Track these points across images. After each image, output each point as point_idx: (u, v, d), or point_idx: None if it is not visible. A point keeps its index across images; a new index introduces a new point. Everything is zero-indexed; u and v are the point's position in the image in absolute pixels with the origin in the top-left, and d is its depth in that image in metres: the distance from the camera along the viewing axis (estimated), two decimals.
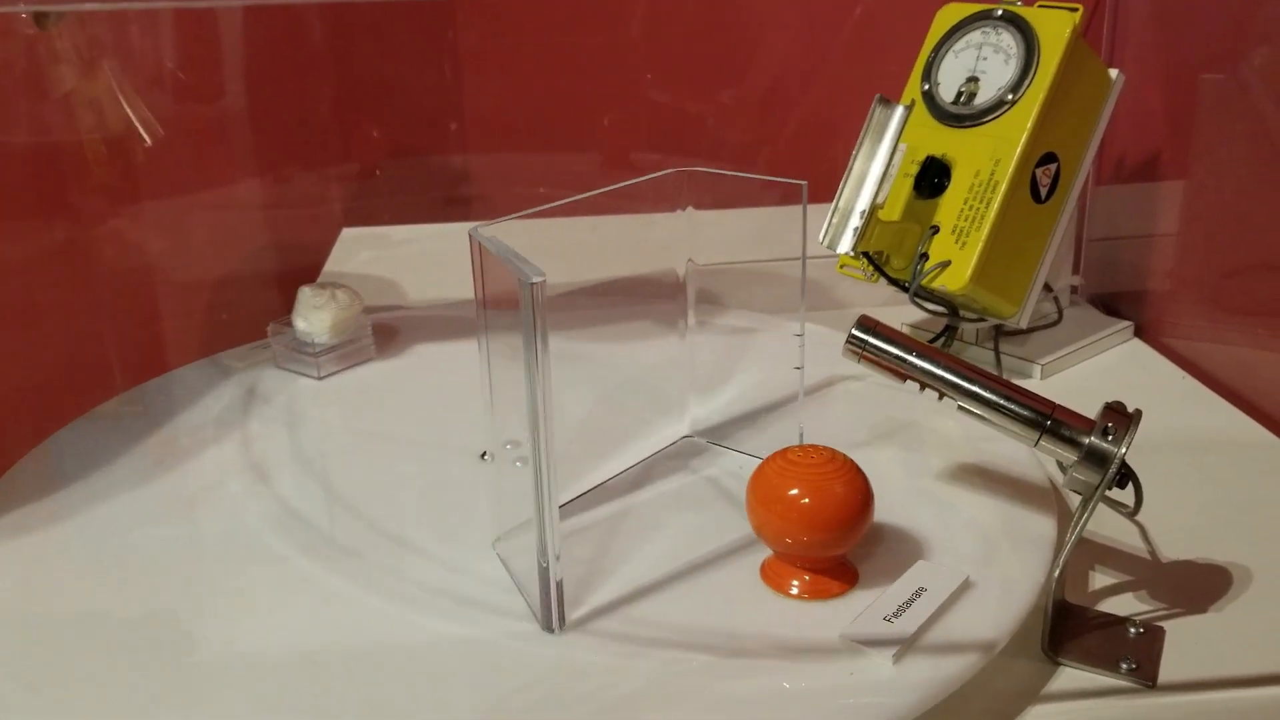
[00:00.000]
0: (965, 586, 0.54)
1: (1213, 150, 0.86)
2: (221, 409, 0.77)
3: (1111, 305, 0.97)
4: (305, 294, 0.83)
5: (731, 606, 0.54)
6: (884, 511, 0.60)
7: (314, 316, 0.82)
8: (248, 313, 1.19)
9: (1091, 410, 0.57)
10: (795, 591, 0.54)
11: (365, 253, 1.22)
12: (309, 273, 1.15)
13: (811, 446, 0.55)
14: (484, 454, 0.68)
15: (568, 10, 1.22)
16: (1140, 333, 0.92)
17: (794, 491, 0.52)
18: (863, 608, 0.53)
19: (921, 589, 0.54)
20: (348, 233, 1.27)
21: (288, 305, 0.85)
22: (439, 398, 0.79)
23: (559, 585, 0.51)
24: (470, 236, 0.52)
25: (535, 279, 0.46)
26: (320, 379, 0.82)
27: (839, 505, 0.53)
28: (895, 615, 0.52)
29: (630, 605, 0.54)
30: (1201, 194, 0.88)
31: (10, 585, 0.58)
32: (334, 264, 1.18)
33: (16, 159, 1.02)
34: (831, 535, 0.53)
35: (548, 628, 0.52)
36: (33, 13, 0.72)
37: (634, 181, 0.60)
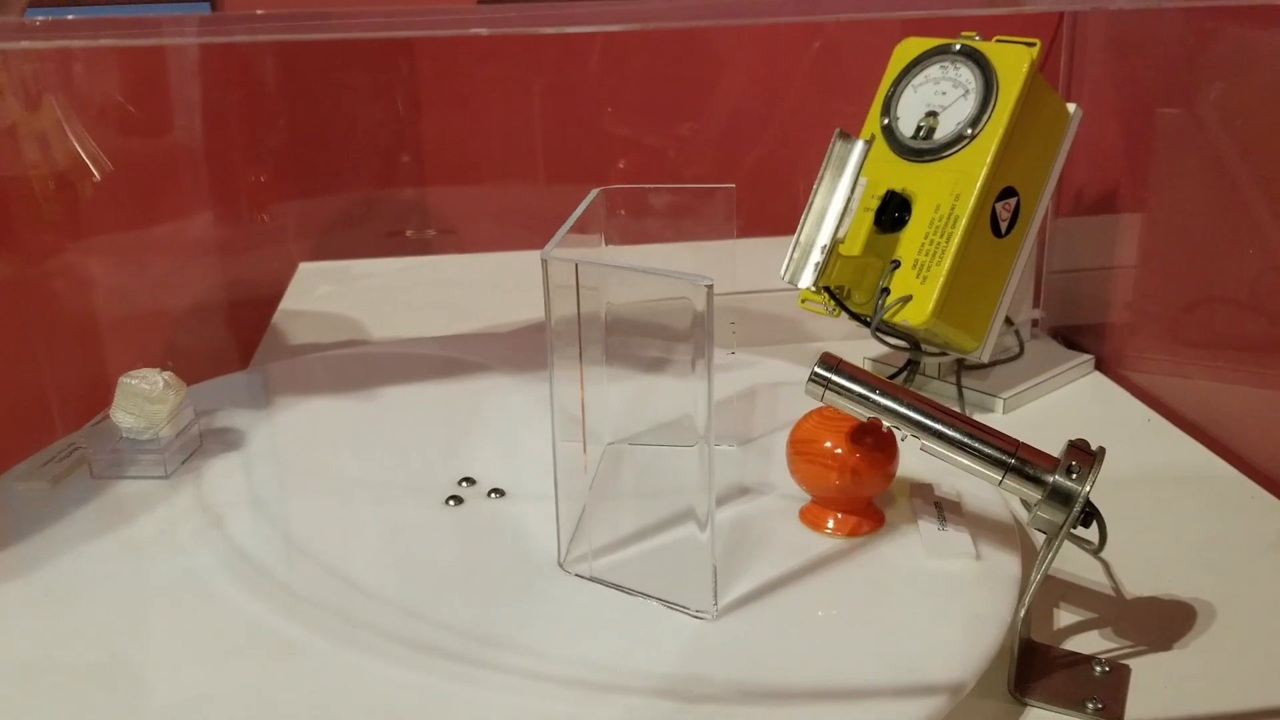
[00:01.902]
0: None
1: (1170, 184, 0.87)
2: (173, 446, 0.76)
3: (1072, 338, 0.97)
4: (130, 384, 0.72)
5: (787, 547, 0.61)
6: (846, 543, 0.61)
7: (150, 409, 0.72)
8: (201, 351, 1.17)
9: (1054, 446, 0.57)
10: (830, 528, 0.63)
11: (323, 287, 1.21)
12: (265, 307, 1.13)
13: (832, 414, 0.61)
14: (451, 498, 0.67)
15: (526, 43, 1.22)
16: (1101, 366, 0.92)
17: (828, 443, 0.61)
18: (890, 543, 0.60)
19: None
20: (305, 267, 1.26)
21: (244, 343, 0.83)
22: (399, 436, 0.78)
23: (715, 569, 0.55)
24: (544, 261, 0.54)
25: (706, 283, 0.49)
26: (168, 476, 0.72)
27: (869, 453, 0.61)
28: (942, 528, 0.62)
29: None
30: (1159, 227, 0.89)
31: None
32: (290, 299, 1.17)
33: None
34: (862, 480, 0.61)
35: (701, 613, 0.55)
36: None
37: (573, 217, 0.59)
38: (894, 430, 0.60)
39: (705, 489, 0.52)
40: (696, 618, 0.55)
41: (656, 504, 0.64)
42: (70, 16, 0.37)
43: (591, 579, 0.58)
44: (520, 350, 0.92)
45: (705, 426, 0.51)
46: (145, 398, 0.72)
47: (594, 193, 0.65)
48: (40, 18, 0.35)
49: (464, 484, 0.69)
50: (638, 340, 0.66)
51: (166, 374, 0.73)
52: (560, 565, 0.60)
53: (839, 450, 0.61)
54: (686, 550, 0.58)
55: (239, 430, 0.78)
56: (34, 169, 0.94)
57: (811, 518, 0.64)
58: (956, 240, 0.77)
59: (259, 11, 0.35)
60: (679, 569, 0.58)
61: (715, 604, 0.55)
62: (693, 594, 0.55)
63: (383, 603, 0.57)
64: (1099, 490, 0.54)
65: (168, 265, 1.22)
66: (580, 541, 0.60)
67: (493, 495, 0.68)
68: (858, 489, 0.62)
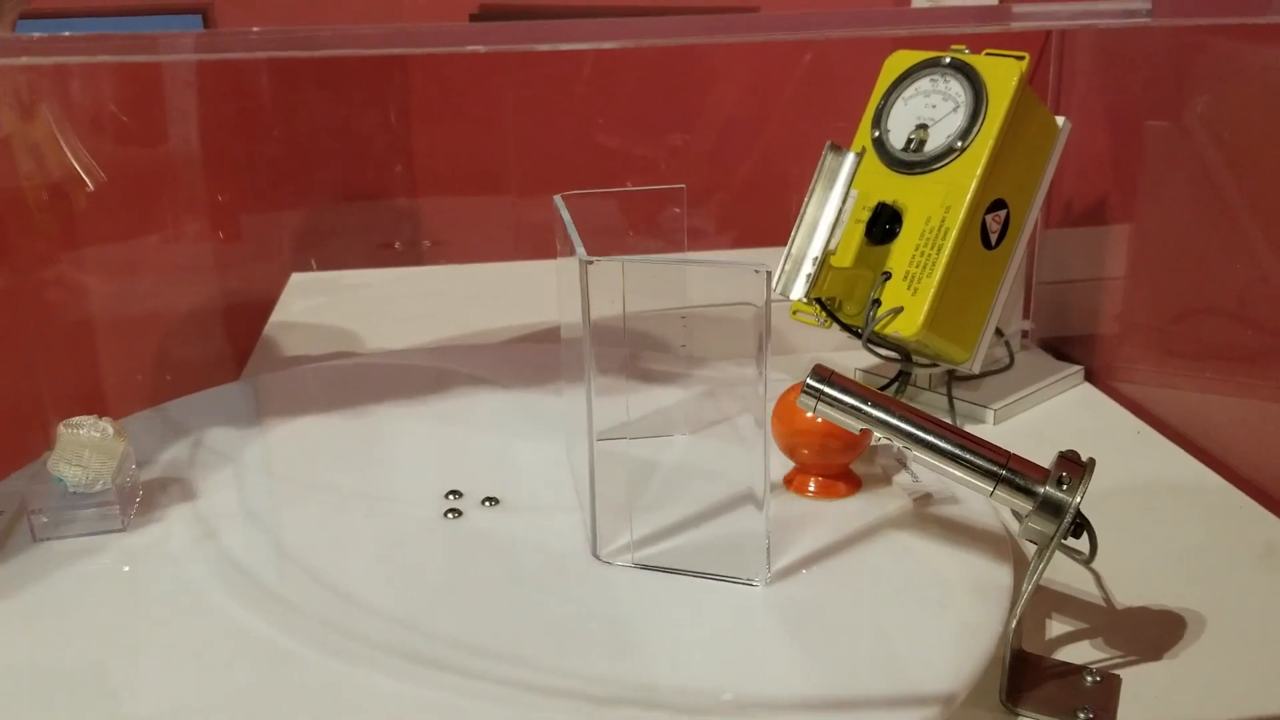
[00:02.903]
0: None
1: (1158, 195, 0.87)
2: (166, 459, 0.76)
3: (1062, 349, 0.98)
4: (76, 434, 0.66)
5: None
6: (838, 555, 0.61)
7: (99, 460, 0.66)
8: (193, 362, 1.18)
9: (1045, 457, 0.57)
10: (812, 491, 0.68)
11: (315, 298, 1.21)
12: (258, 317, 1.13)
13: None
14: (450, 511, 0.67)
15: (518, 55, 1.22)
16: (1091, 377, 0.93)
17: (810, 413, 0.63)
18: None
19: None
20: (297, 278, 1.26)
21: (236, 354, 0.83)
22: (392, 447, 0.78)
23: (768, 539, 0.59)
24: (580, 263, 0.55)
25: (763, 269, 0.53)
26: (125, 529, 0.67)
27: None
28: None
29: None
30: (1148, 238, 0.89)
31: None
32: (282, 309, 1.17)
33: None
34: (840, 445, 0.67)
35: (753, 579, 0.59)
36: None
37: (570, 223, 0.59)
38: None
39: (761, 468, 0.57)
40: (749, 585, 0.59)
41: (672, 491, 0.68)
42: (67, 33, 0.37)
43: (637, 566, 0.61)
44: (513, 361, 0.92)
45: (760, 410, 0.56)
46: (94, 447, 0.66)
47: (558, 199, 0.67)
48: (38, 34, 0.35)
49: (451, 496, 0.69)
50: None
51: (106, 420, 0.68)
52: (597, 557, 0.62)
53: (819, 419, 0.64)
54: (718, 528, 0.63)
55: (231, 442, 0.78)
56: (27, 179, 0.94)
57: (796, 484, 0.69)
58: (947, 252, 0.78)
59: (255, 29, 0.36)
60: (716, 546, 0.62)
61: (768, 570, 0.59)
62: (741, 565, 0.59)
63: (376, 614, 0.57)
64: (1089, 501, 0.55)
65: (158, 276, 1.22)
66: (613, 533, 0.62)
67: (486, 504, 0.68)
68: (837, 455, 0.68)
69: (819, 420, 0.63)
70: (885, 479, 0.70)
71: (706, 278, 0.58)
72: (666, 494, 0.68)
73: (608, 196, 0.69)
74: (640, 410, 0.74)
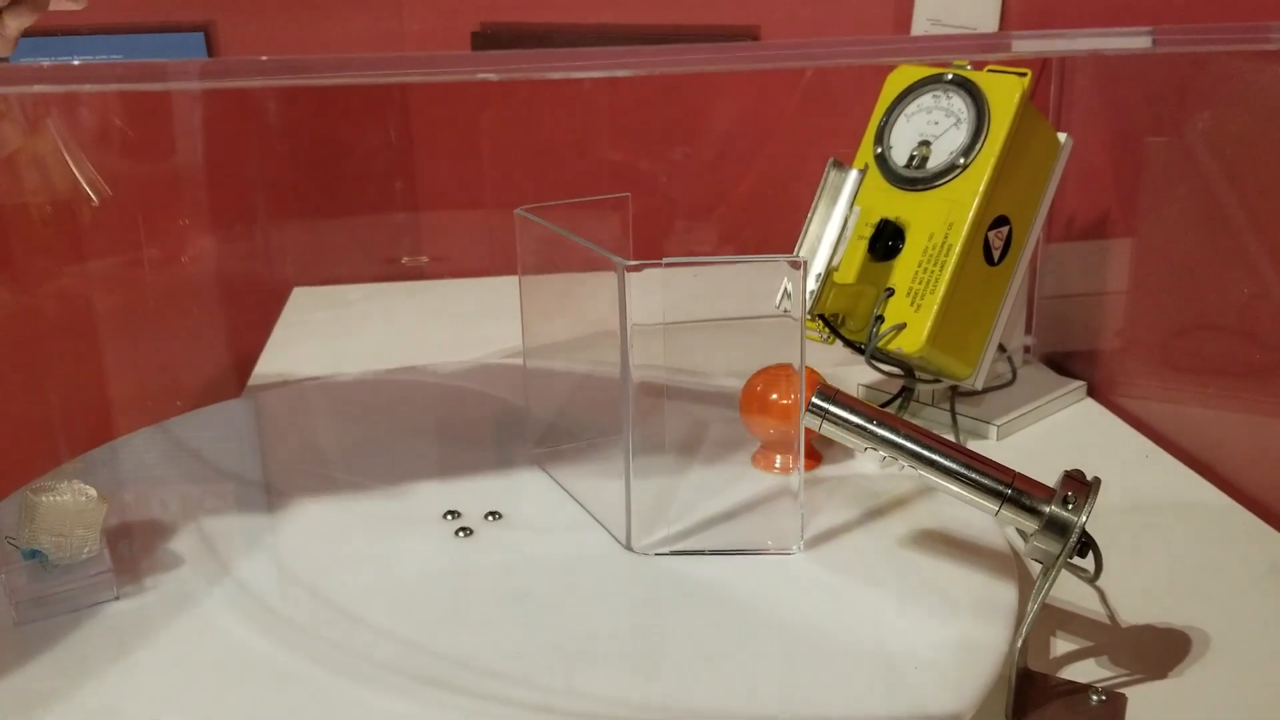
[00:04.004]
0: None
1: (1160, 212, 0.87)
2: (169, 476, 0.76)
3: (1064, 365, 0.98)
4: (54, 501, 0.59)
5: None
6: (844, 575, 0.61)
7: (81, 528, 0.59)
8: (195, 377, 1.18)
9: (1047, 473, 0.57)
10: (779, 467, 0.73)
11: (317, 312, 1.21)
12: (260, 332, 1.13)
13: (784, 366, 0.70)
14: (461, 530, 0.67)
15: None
16: (1093, 392, 0.93)
17: (774, 396, 0.71)
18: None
19: None
20: (299, 292, 1.26)
21: (239, 368, 0.83)
22: (394, 463, 0.78)
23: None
24: (619, 268, 0.58)
25: (799, 260, 0.58)
26: (119, 598, 0.61)
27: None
28: None
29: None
30: (1149, 254, 0.89)
31: None
32: (285, 324, 1.17)
33: None
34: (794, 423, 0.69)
35: (788, 548, 0.64)
36: None
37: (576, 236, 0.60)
38: (823, 378, 0.71)
39: (797, 443, 0.63)
40: (783, 554, 0.63)
41: (680, 480, 0.71)
42: (76, 61, 0.37)
43: (672, 553, 0.64)
44: (513, 376, 0.92)
45: (798, 392, 0.61)
46: (78, 515, 0.59)
47: (518, 211, 0.70)
48: (47, 62, 0.36)
49: (449, 517, 0.69)
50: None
51: (78, 482, 0.61)
52: (631, 549, 0.64)
53: (783, 402, 0.71)
54: (739, 507, 0.69)
55: (234, 459, 0.78)
56: (32, 194, 0.94)
57: (763, 461, 0.74)
58: (950, 268, 0.78)
59: (264, 58, 0.36)
60: (742, 524, 0.67)
61: (801, 539, 0.64)
62: (774, 538, 0.65)
63: (381, 633, 0.57)
64: (1093, 518, 0.55)
65: (159, 292, 1.22)
66: (644, 525, 0.65)
67: (490, 519, 0.68)
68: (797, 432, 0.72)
69: (782, 402, 0.70)
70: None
71: (743, 274, 0.62)
72: (675, 484, 0.70)
73: (561, 208, 0.69)
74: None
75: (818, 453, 0.75)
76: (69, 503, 0.59)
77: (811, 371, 0.73)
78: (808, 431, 0.69)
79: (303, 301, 1.24)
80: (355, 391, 0.91)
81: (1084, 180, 0.95)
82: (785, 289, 0.75)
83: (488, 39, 1.20)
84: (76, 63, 0.35)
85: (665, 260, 0.56)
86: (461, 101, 1.27)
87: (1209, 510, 0.75)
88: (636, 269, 0.56)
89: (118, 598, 0.60)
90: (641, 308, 0.58)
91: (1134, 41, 0.44)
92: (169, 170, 1.20)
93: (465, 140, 1.27)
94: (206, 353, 1.22)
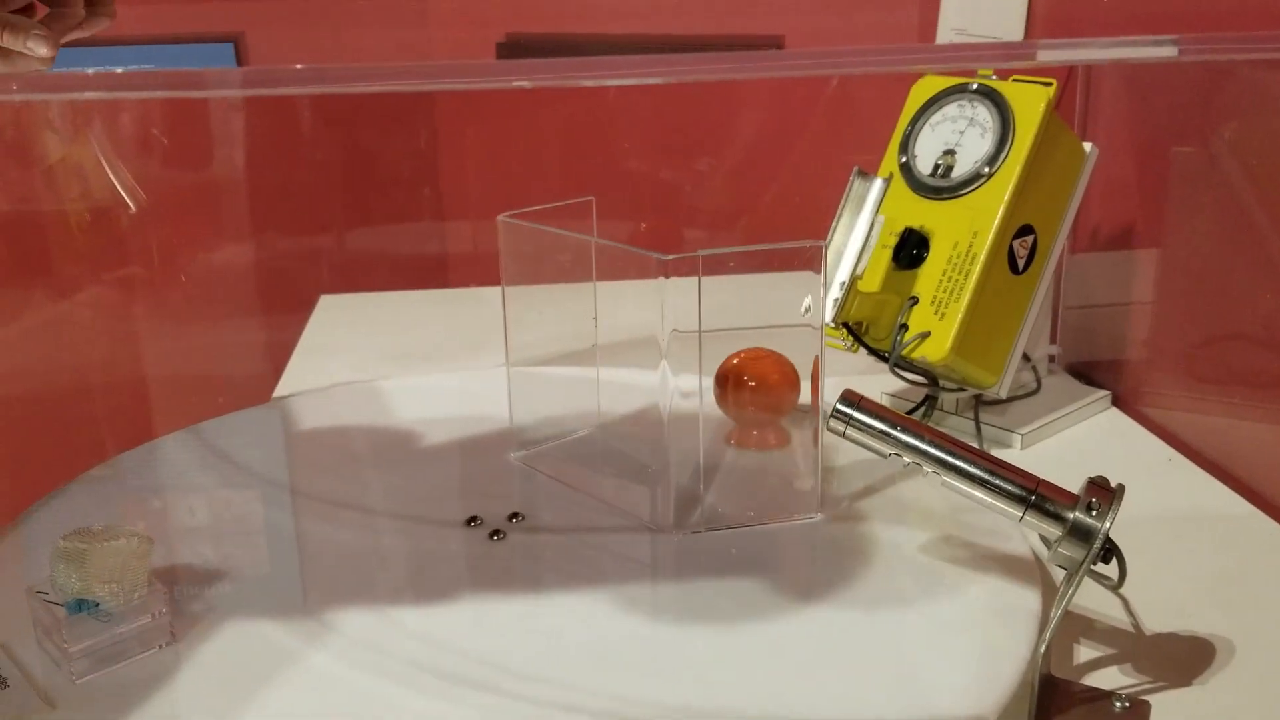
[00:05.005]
0: None
1: (1185, 221, 0.87)
2: (197, 482, 0.77)
3: (1089, 374, 0.98)
4: (102, 549, 0.55)
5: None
6: (864, 580, 0.61)
7: (134, 569, 0.56)
8: (223, 383, 1.19)
9: (1072, 481, 0.57)
10: (756, 444, 0.77)
11: (344, 319, 1.22)
12: (289, 338, 1.14)
13: (756, 349, 0.76)
14: (496, 532, 0.68)
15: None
16: (1118, 402, 0.93)
17: (745, 378, 0.76)
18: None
19: None
20: (326, 299, 1.27)
21: (268, 375, 0.84)
22: (420, 467, 0.78)
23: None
24: (658, 261, 0.60)
25: (820, 245, 0.63)
26: (178, 639, 0.58)
27: (774, 384, 0.76)
28: None
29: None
30: (1175, 264, 0.89)
31: None
32: (312, 332, 1.18)
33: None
34: (769, 401, 0.77)
35: (814, 511, 0.69)
36: None
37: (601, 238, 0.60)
38: (793, 368, 0.75)
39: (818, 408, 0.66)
40: (807, 520, 0.68)
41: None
42: (119, 70, 0.38)
43: (708, 529, 0.67)
44: (536, 381, 0.92)
45: (817, 370, 0.66)
46: (129, 557, 0.56)
47: (499, 214, 0.72)
48: (93, 70, 0.37)
49: (472, 523, 0.69)
50: None
51: (112, 526, 0.57)
52: (671, 530, 0.67)
53: (753, 383, 0.76)
54: (756, 483, 0.74)
55: (263, 463, 0.79)
56: (72, 202, 0.96)
57: (741, 439, 0.78)
58: (975, 277, 0.78)
59: (299, 66, 0.37)
60: (762, 499, 0.71)
61: (819, 505, 0.68)
62: (795, 508, 0.69)
63: (411, 634, 0.58)
64: (1117, 526, 0.55)
65: (190, 298, 1.24)
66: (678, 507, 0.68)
67: (514, 520, 0.69)
68: (770, 409, 0.77)
69: (752, 385, 0.75)
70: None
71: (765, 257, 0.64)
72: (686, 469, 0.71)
73: (535, 215, 0.71)
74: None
75: (787, 433, 0.79)
76: (122, 546, 0.56)
77: (780, 356, 0.77)
78: (778, 413, 0.77)
79: (330, 308, 1.25)
80: (382, 396, 0.92)
81: (1109, 190, 0.95)
82: (807, 305, 0.76)
83: (513, 50, 1.21)
84: (119, 70, 0.36)
85: (701, 252, 0.58)
86: (488, 114, 1.28)
87: (1233, 519, 0.75)
88: (674, 264, 0.59)
89: (177, 640, 0.57)
90: (643, 320, 0.61)
91: (1159, 51, 0.45)
92: (197, 179, 1.21)
93: (491, 151, 1.28)
94: (234, 360, 1.23)
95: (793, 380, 0.76)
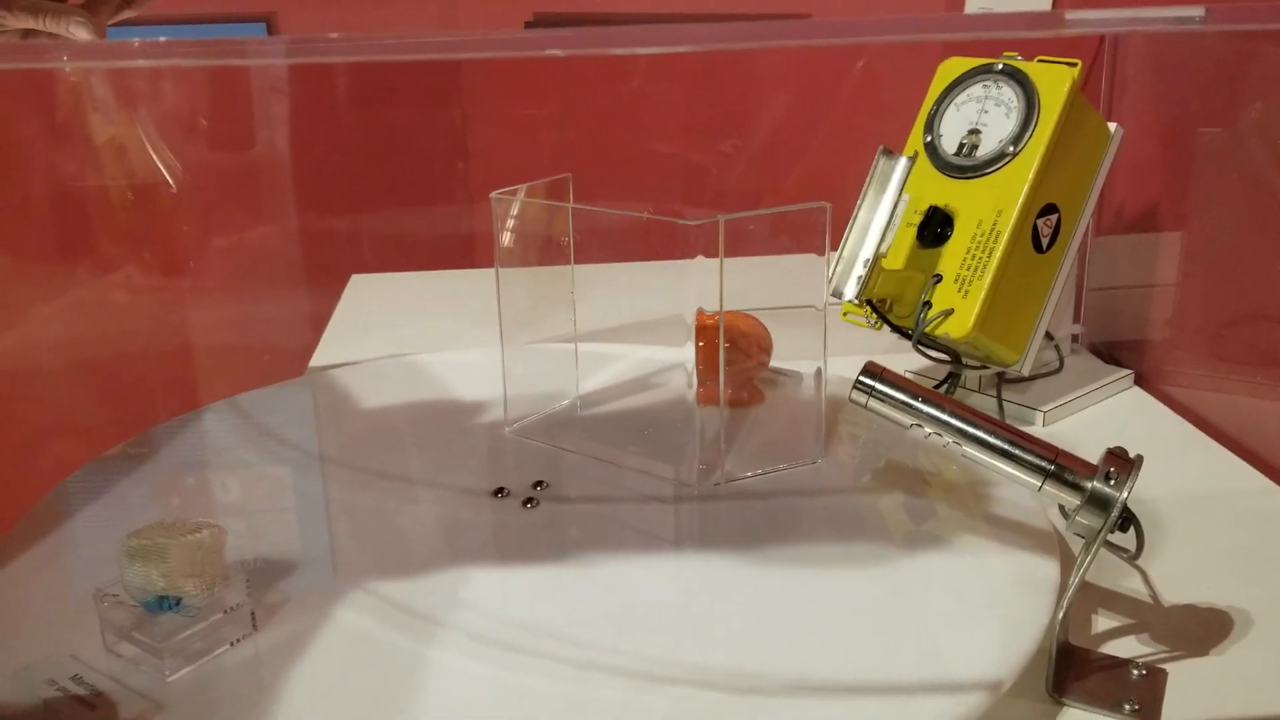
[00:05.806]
0: None
1: (1211, 202, 0.88)
2: (234, 451, 0.78)
3: (1111, 354, 0.98)
4: (182, 542, 0.55)
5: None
6: (888, 549, 0.62)
7: (212, 561, 0.56)
8: (256, 359, 1.20)
9: (1093, 458, 0.58)
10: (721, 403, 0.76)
11: (375, 297, 1.23)
12: (320, 318, 1.16)
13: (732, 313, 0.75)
14: (526, 498, 0.70)
15: (573, 62, 1.24)
16: (1140, 381, 0.93)
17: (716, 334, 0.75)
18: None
19: None
20: (357, 278, 1.28)
21: (299, 352, 0.85)
22: (449, 441, 0.80)
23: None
24: (680, 228, 0.63)
25: (823, 205, 0.68)
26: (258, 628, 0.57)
27: (745, 340, 0.80)
28: None
29: None
30: (1200, 245, 0.90)
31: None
32: (343, 311, 1.20)
33: (49, 204, 1.04)
34: (739, 356, 0.79)
35: (816, 458, 0.74)
36: None
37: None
38: (764, 327, 0.80)
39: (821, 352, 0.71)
40: (813, 465, 0.73)
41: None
42: (162, 39, 0.39)
43: (729, 481, 0.71)
44: (563, 358, 0.94)
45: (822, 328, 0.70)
46: (207, 550, 0.55)
47: (493, 194, 0.77)
48: (139, 39, 0.38)
49: (499, 494, 0.71)
50: None
51: (183, 519, 0.57)
52: (697, 485, 0.71)
53: (728, 344, 0.76)
54: (764, 435, 0.78)
55: (295, 435, 0.81)
56: (113, 179, 0.98)
57: (705, 396, 0.77)
58: (998, 255, 0.79)
59: (333, 35, 0.38)
60: (770, 449, 0.75)
61: (823, 451, 0.74)
62: (800, 453, 0.74)
63: (441, 596, 0.60)
64: (1137, 500, 0.56)
65: (224, 276, 1.25)
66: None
67: (537, 487, 0.71)
68: (744, 368, 0.80)
69: (726, 345, 0.75)
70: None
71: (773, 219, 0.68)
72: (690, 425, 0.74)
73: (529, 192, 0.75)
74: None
75: (760, 392, 0.83)
76: (203, 539, 0.55)
77: (751, 318, 0.80)
78: (753, 371, 0.81)
79: (360, 287, 1.26)
80: (410, 371, 0.93)
81: (1134, 170, 0.96)
82: (834, 270, 0.77)
83: (542, 27, 1.22)
84: (163, 40, 0.37)
85: (721, 216, 0.61)
86: (516, 93, 1.29)
87: (1254, 496, 0.76)
88: (693, 225, 0.61)
89: (256, 629, 0.57)
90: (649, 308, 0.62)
91: (1186, 11, 0.45)
92: (229, 158, 1.23)
93: (520, 132, 1.29)
94: (267, 336, 1.25)
95: (756, 334, 0.80)
